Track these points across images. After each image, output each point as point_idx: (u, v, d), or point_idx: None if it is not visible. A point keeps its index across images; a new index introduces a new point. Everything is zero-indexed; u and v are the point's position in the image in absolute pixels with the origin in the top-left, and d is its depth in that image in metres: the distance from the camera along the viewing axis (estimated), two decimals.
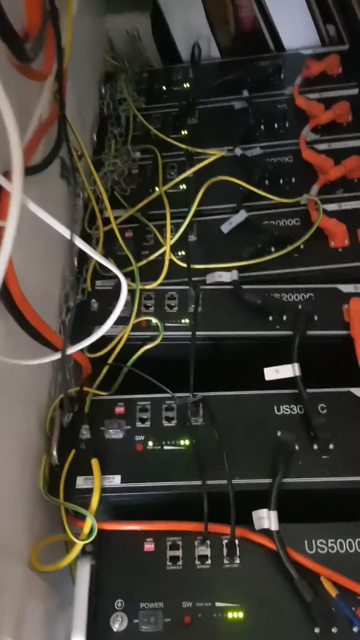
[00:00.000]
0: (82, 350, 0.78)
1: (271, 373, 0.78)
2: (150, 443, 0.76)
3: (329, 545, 0.69)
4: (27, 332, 0.61)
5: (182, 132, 1.08)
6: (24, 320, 0.59)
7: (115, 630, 0.66)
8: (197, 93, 1.13)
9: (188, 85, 1.16)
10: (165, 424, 0.77)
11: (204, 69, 1.19)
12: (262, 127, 1.06)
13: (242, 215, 0.92)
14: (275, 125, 1.05)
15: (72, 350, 0.65)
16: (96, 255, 0.57)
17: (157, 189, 0.99)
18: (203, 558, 0.69)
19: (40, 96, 0.67)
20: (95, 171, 0.82)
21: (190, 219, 0.90)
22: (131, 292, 0.86)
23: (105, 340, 0.82)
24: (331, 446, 0.74)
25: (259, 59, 1.18)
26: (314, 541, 0.69)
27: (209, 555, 0.69)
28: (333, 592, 0.65)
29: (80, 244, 0.55)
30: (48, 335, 0.62)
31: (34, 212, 0.51)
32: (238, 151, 1.00)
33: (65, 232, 0.53)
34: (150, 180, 1.02)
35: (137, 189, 1.02)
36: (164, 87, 1.18)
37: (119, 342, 0.82)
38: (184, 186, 0.99)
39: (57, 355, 0.61)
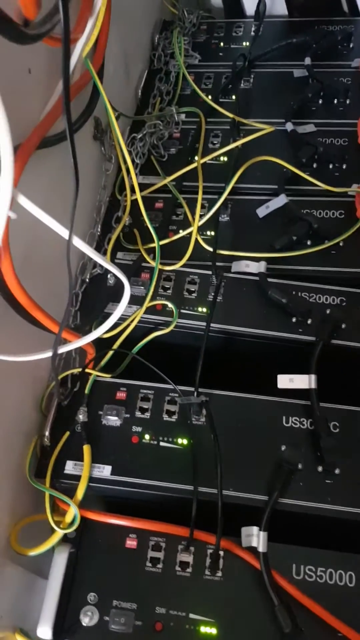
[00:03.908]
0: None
1: (285, 381, 0.73)
2: (147, 436, 0.72)
3: (318, 573, 0.65)
4: (22, 317, 0.57)
5: (233, 97, 1.00)
6: (19, 306, 0.55)
7: (84, 624, 0.64)
8: (255, 54, 1.03)
9: (247, 44, 1.06)
10: (166, 418, 0.73)
11: (267, 27, 1.09)
12: (320, 101, 0.96)
13: (281, 200, 0.85)
14: (335, 101, 0.96)
15: (63, 349, 0.60)
16: (95, 256, 0.52)
17: (196, 158, 0.92)
18: (184, 565, 0.66)
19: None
20: (121, 135, 0.74)
21: (223, 199, 0.83)
22: (150, 270, 0.81)
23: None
24: (337, 471, 0.69)
25: (329, 22, 1.07)
26: (302, 566, 0.65)
27: (191, 562, 0.66)
28: None
29: (79, 243, 0.50)
30: (44, 321, 0.57)
31: (27, 208, 0.46)
32: (289, 126, 0.92)
33: (63, 232, 0.48)
34: (191, 147, 0.94)
35: (176, 155, 0.95)
36: (222, 44, 1.09)
37: (129, 324, 0.77)
38: (225, 158, 0.92)
39: (49, 353, 0.57)
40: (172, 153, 0.95)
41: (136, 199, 0.88)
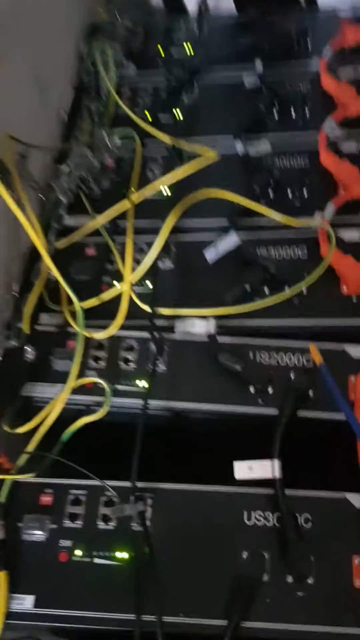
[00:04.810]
0: None
1: (243, 470, 0.60)
2: (79, 552, 0.59)
3: None
4: None
5: (176, 114, 0.86)
6: None
7: None
8: (199, 61, 0.89)
9: (189, 48, 0.91)
10: (101, 525, 0.60)
11: (213, 26, 0.94)
12: (275, 113, 0.82)
13: (231, 239, 0.71)
14: (292, 113, 0.82)
15: None
16: None
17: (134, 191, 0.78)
18: None
19: None
20: (19, 179, 0.60)
21: (161, 247, 0.69)
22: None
23: (38, 404, 0.65)
24: (310, 580, 0.56)
25: (283, 17, 0.92)
26: None
27: None
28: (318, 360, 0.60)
29: None
30: None
31: None
32: (239, 147, 0.78)
33: None
34: (128, 178, 0.80)
35: (110, 189, 0.81)
36: (162, 50, 0.94)
37: (53, 411, 0.64)
38: (167, 191, 0.78)
39: None
40: (105, 186, 0.81)
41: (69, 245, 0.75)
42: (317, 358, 0.63)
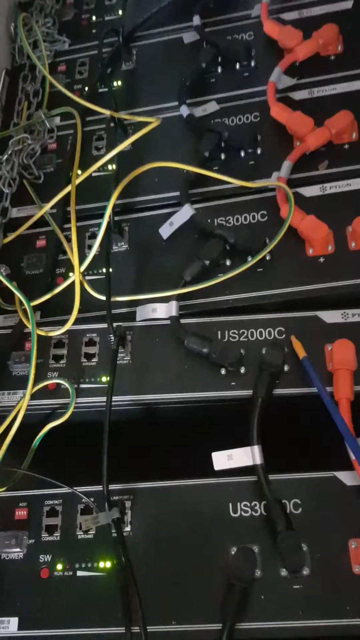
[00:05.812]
0: None
1: (222, 460, 0.56)
2: (60, 566, 0.56)
3: None
4: None
5: (116, 84, 0.80)
6: None
7: None
8: (132, 24, 0.83)
9: (123, 12, 0.85)
10: (81, 535, 0.57)
11: None
12: (219, 69, 0.76)
13: (186, 212, 0.66)
14: (237, 66, 0.76)
15: None
16: None
17: (78, 173, 0.73)
18: None
19: None
20: None
21: (105, 227, 0.64)
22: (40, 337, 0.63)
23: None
24: (305, 571, 0.52)
25: None
26: None
27: None
28: (301, 354, 0.57)
29: None
30: None
31: None
32: (184, 110, 0.73)
33: None
34: (72, 158, 0.75)
35: (54, 173, 0.76)
36: (94, 18, 0.88)
37: (14, 419, 0.60)
38: (113, 166, 0.72)
39: None
40: (49, 171, 0.76)
41: (13, 241, 0.71)
42: (300, 351, 0.58)
